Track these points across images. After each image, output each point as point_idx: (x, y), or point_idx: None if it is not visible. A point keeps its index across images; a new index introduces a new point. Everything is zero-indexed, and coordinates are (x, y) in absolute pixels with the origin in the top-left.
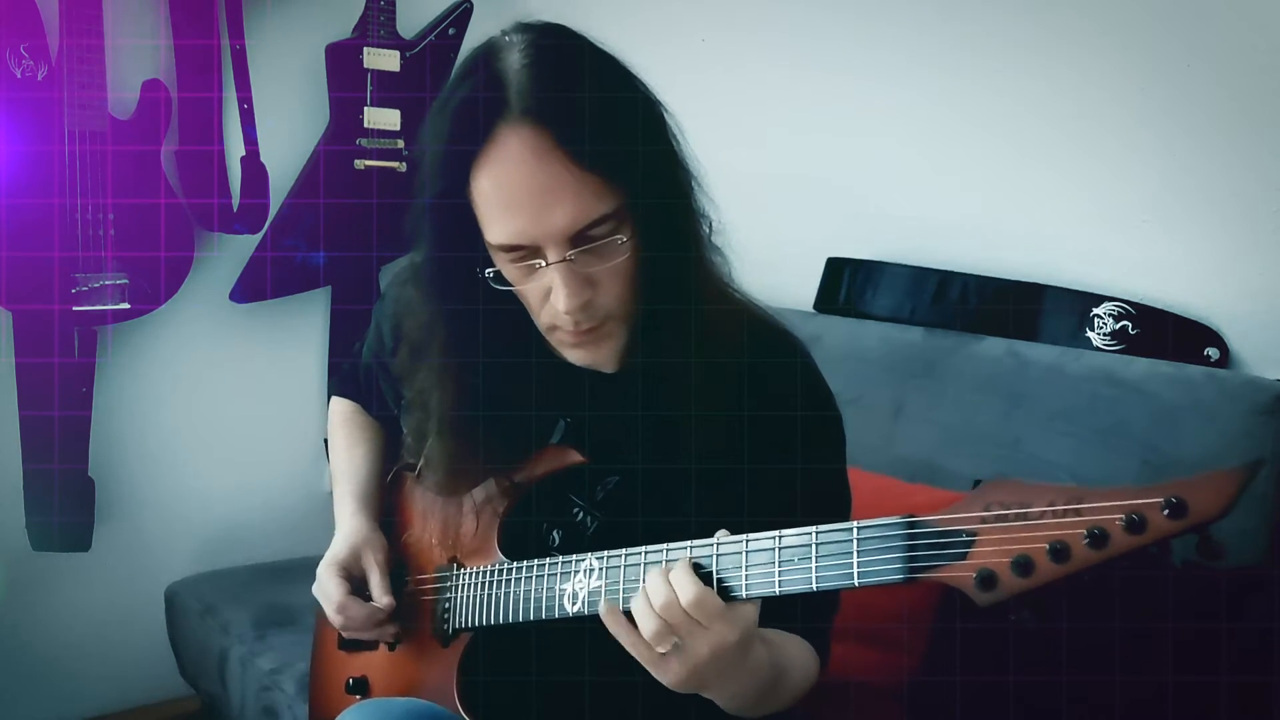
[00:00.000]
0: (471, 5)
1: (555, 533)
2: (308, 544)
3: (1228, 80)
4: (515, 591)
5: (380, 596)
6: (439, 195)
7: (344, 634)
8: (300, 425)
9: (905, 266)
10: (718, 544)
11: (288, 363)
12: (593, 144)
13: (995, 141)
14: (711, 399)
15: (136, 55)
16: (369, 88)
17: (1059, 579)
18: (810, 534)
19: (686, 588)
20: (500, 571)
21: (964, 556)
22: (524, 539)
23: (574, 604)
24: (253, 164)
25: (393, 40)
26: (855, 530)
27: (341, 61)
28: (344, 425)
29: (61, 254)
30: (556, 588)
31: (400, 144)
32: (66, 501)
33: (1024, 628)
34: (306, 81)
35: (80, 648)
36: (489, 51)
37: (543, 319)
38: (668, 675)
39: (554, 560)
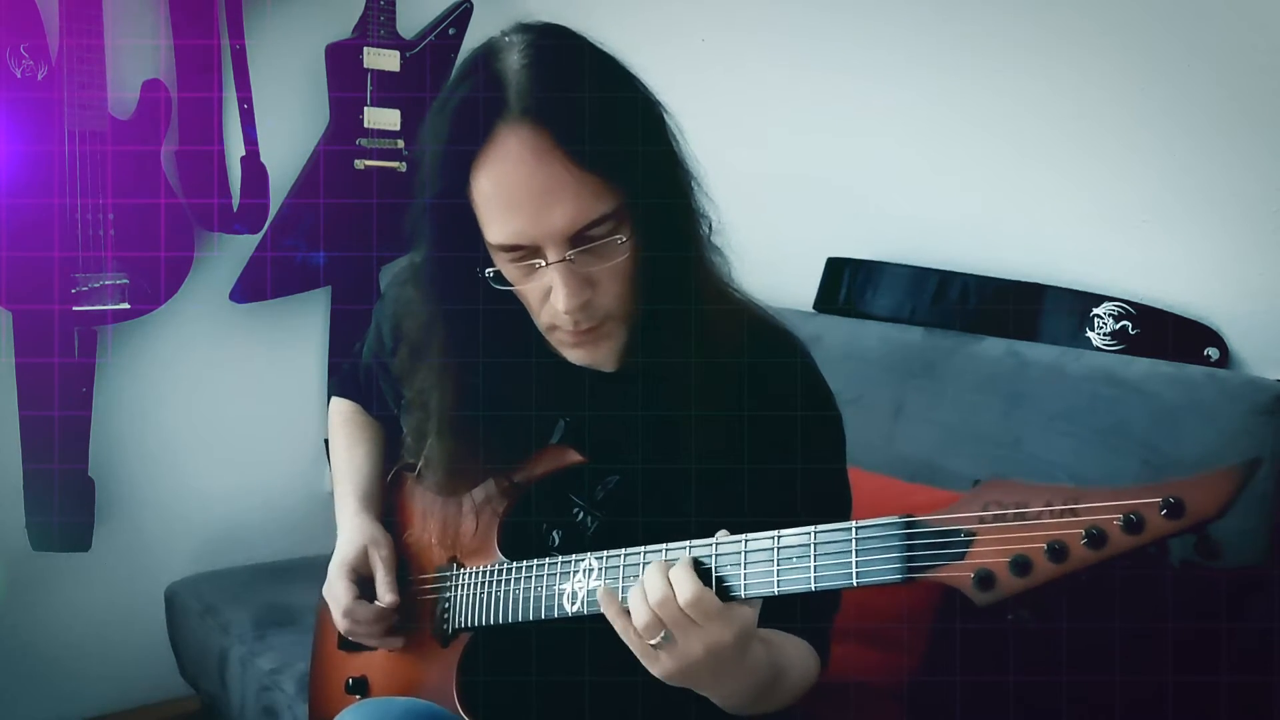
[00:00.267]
0: (471, 5)
1: (555, 533)
2: (308, 544)
3: (1228, 80)
4: (515, 591)
5: (385, 594)
6: (439, 195)
7: (350, 638)
8: (300, 425)
9: (905, 266)
10: (717, 544)
11: (288, 363)
12: (592, 144)
13: (995, 141)
14: (711, 399)
15: (136, 55)
16: (369, 88)
17: (1057, 579)
18: (809, 534)
19: (685, 586)
20: (500, 571)
21: (962, 556)
22: (524, 539)
23: (574, 604)
24: (253, 164)
25: (393, 40)
26: (854, 530)
27: (341, 61)
28: (344, 425)
29: (61, 254)
30: (556, 588)
31: (400, 144)
32: (66, 501)
33: (1023, 628)
34: (306, 81)
35: (80, 648)
36: (489, 52)
37: (542, 319)
38: (658, 668)
39: (554, 560)
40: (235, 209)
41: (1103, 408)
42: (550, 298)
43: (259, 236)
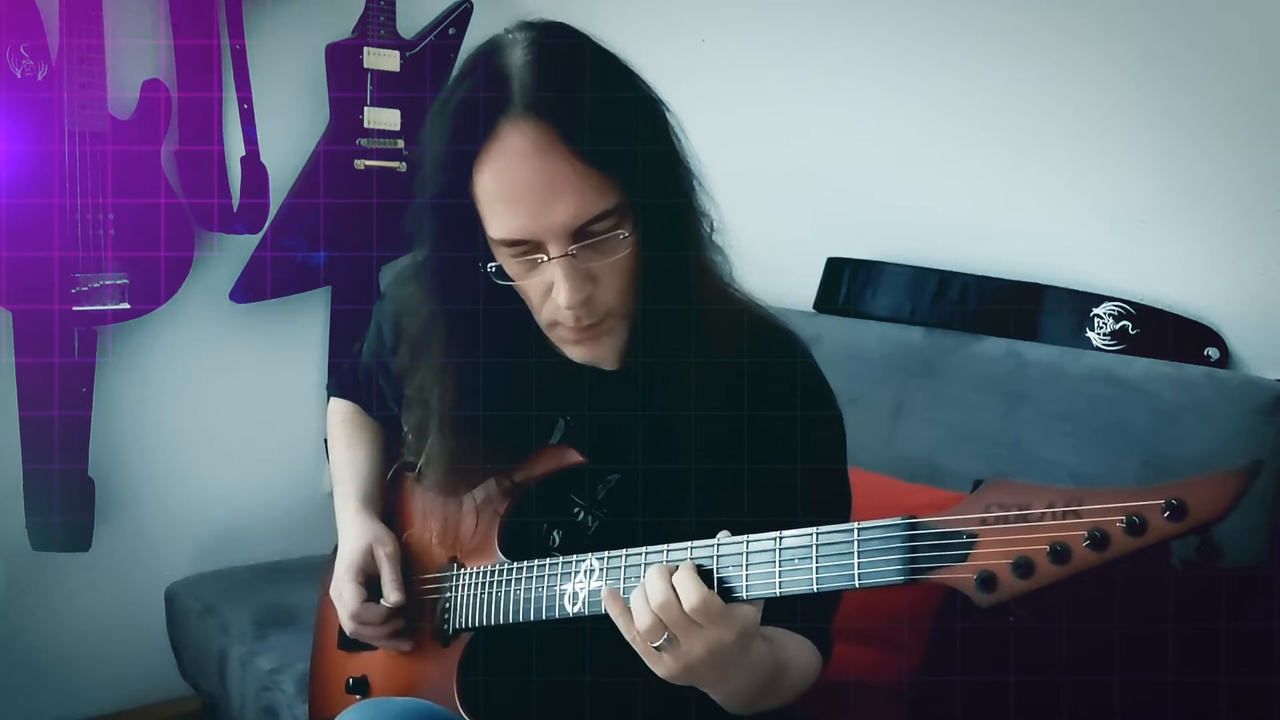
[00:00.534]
0: (471, 5)
1: (555, 533)
2: (308, 544)
3: (1228, 80)
4: (515, 592)
5: (391, 593)
6: (442, 191)
7: (359, 639)
8: (300, 425)
9: (905, 266)
10: (719, 544)
11: (288, 363)
12: (595, 140)
13: (995, 141)
14: (712, 398)
15: (136, 55)
16: (369, 88)
17: (1059, 580)
18: (811, 535)
19: (689, 591)
20: (500, 572)
21: (965, 558)
22: (524, 539)
23: (574, 604)
24: (253, 164)
25: (393, 40)
26: (856, 531)
27: (341, 61)
28: (343, 425)
29: (61, 254)
30: (557, 588)
31: (400, 144)
32: (66, 501)
33: (1024, 628)
34: (306, 81)
35: (80, 648)
36: (492, 49)
37: (544, 315)
38: (661, 668)
39: (554, 560)
40: (235, 209)
41: (1103, 408)
42: (552, 293)
43: (259, 236)
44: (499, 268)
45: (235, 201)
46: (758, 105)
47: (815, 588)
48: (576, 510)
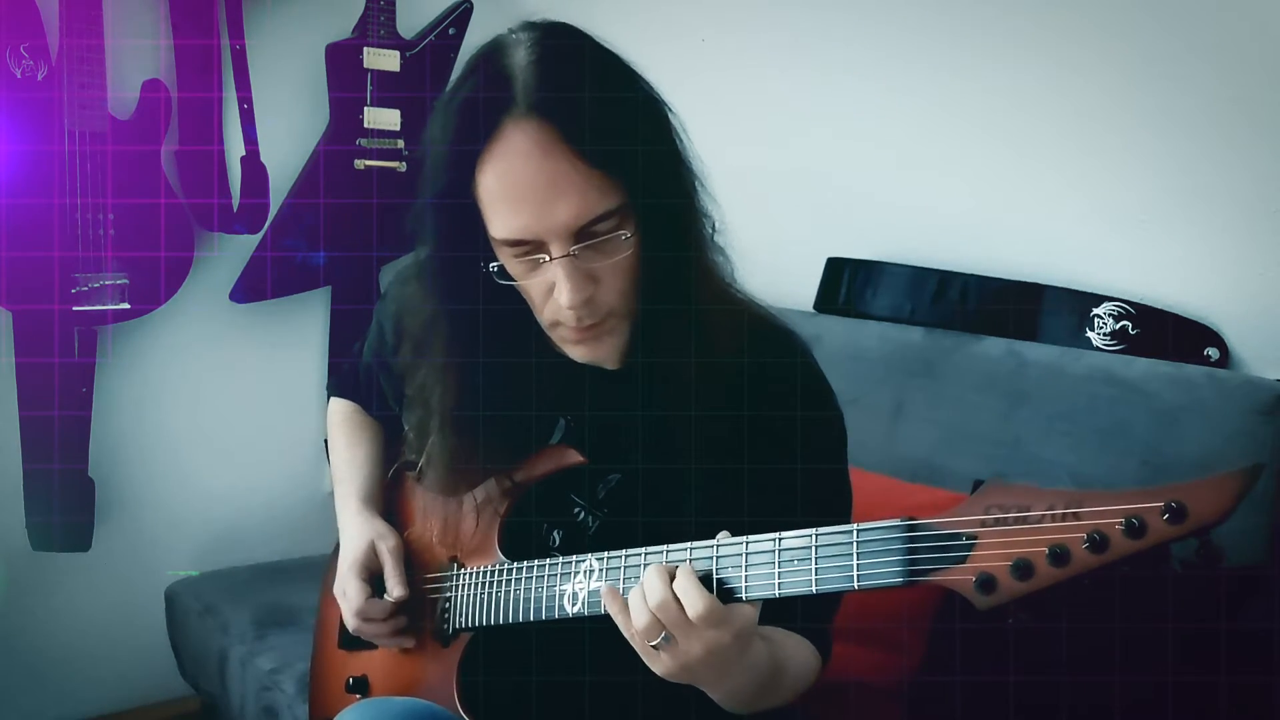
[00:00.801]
0: (471, 5)
1: (556, 533)
2: (308, 544)
3: (1228, 80)
4: (515, 592)
5: (395, 588)
6: (444, 190)
7: (362, 637)
8: (300, 425)
9: (905, 266)
10: (718, 545)
11: (288, 363)
12: (598, 141)
13: (995, 141)
14: (712, 398)
15: (136, 55)
16: (369, 88)
17: (1059, 582)
18: (810, 536)
19: (690, 595)
20: (500, 572)
21: (964, 560)
22: (524, 539)
23: (574, 605)
24: (253, 164)
25: (393, 40)
26: (855, 533)
27: (341, 61)
28: (343, 425)
29: (61, 254)
30: (557, 588)
31: (400, 144)
32: (66, 501)
33: (1024, 628)
34: (306, 81)
35: (80, 648)
36: (495, 49)
37: (545, 315)
38: (658, 666)
39: (554, 561)
40: (235, 209)
41: (1103, 408)
42: (554, 293)
43: (259, 236)
44: (500, 267)
45: (235, 201)
46: (758, 105)
47: (814, 589)
48: (577, 510)
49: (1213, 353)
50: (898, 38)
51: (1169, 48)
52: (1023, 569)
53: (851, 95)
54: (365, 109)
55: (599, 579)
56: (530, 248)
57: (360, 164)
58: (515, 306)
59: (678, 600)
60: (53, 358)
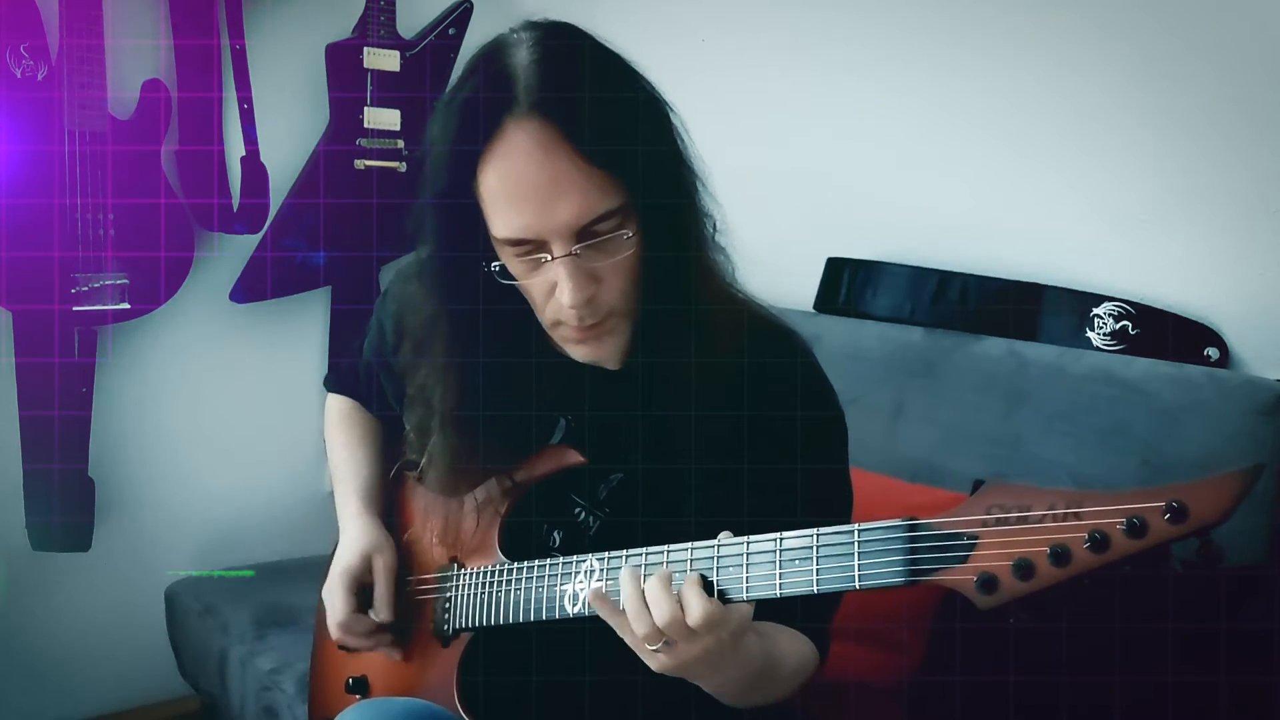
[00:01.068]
0: (471, 5)
1: (556, 533)
2: (308, 544)
3: (1228, 79)
4: (515, 592)
5: (381, 611)
6: (445, 190)
7: (343, 646)
8: (300, 425)
9: (905, 266)
10: (719, 546)
11: (288, 363)
12: (599, 140)
13: (995, 141)
14: (713, 398)
15: (136, 55)
16: (369, 88)
17: (1060, 582)
18: (811, 536)
19: (694, 607)
20: (501, 572)
21: (965, 560)
22: (525, 539)
23: (574, 605)
24: (253, 164)
25: (393, 40)
26: (856, 533)
27: (341, 61)
28: (343, 422)
29: (61, 254)
30: (557, 589)
31: (400, 144)
32: (66, 501)
33: (1024, 628)
34: (306, 81)
35: (80, 648)
36: (497, 48)
37: (547, 315)
38: (654, 664)
39: (554, 561)
40: (235, 209)
41: (1103, 408)
42: (555, 293)
43: (259, 236)
44: (502, 267)
45: (235, 201)
46: (758, 105)
47: (816, 589)
48: (577, 510)
49: (1213, 353)
50: (898, 38)
51: (1169, 48)
52: (1024, 569)
53: (851, 95)
54: (365, 109)
55: (599, 579)
56: (532, 247)
57: (360, 164)
58: (516, 306)
59: (681, 610)
60: (53, 358)
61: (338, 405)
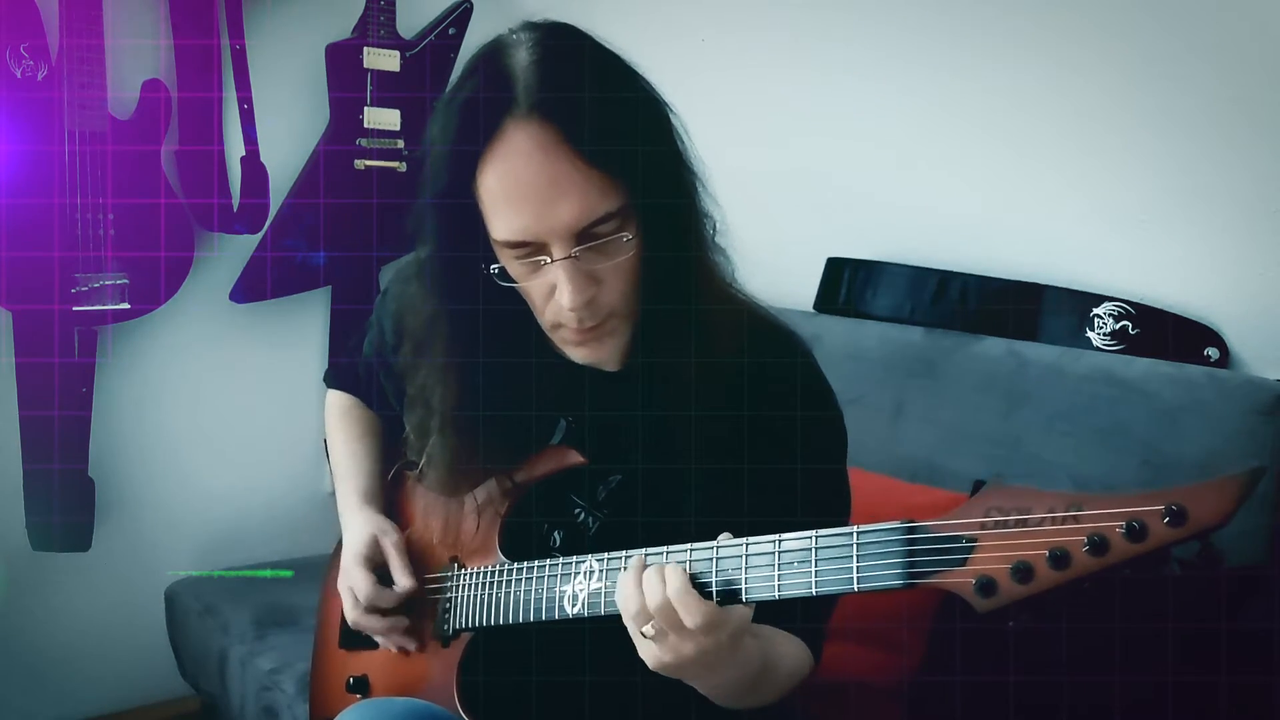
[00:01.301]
0: (471, 5)
1: (556, 533)
2: (308, 544)
3: (1228, 79)
4: (516, 592)
5: (402, 579)
6: (445, 191)
7: (364, 630)
8: (300, 425)
9: (905, 266)
10: (718, 547)
11: (288, 363)
12: (599, 141)
13: (995, 142)
14: (713, 399)
15: (136, 55)
16: (369, 88)
17: (1059, 585)
18: (810, 538)
19: (689, 608)
20: (501, 572)
21: (964, 562)
22: (525, 539)
23: (574, 605)
24: (253, 164)
25: (393, 40)
26: (855, 535)
27: (341, 61)
28: (343, 419)
29: (61, 254)
30: (557, 589)
31: (400, 144)
32: (66, 501)
33: (1024, 629)
34: (306, 81)
35: (80, 648)
36: (496, 49)
37: (546, 316)
38: (649, 659)
39: (554, 561)
40: (235, 209)
41: (1103, 408)
42: (555, 295)
43: (259, 236)
44: (501, 269)
45: (235, 201)
46: (758, 105)
47: (814, 590)
48: (577, 511)
49: (1213, 353)
50: (898, 38)
51: (1169, 48)
52: (1023, 572)
53: (851, 95)
54: (365, 109)
55: (599, 580)
56: (531, 249)
57: (360, 164)
58: (516, 307)
59: (675, 609)
60: (53, 358)
61: (338, 402)
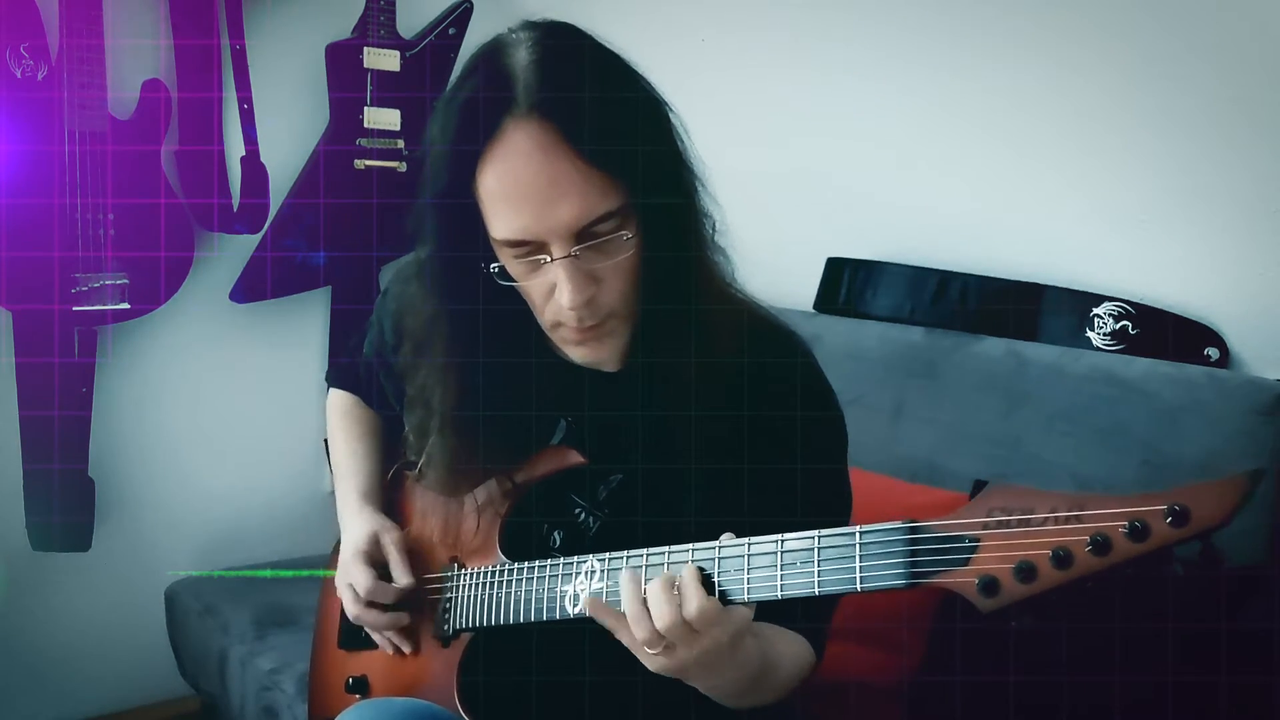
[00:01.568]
0: (471, 5)
1: (556, 533)
2: (308, 544)
3: (1228, 79)
4: (516, 593)
5: (401, 576)
6: (445, 191)
7: (364, 625)
8: (300, 425)
9: (905, 266)
10: (720, 547)
11: (288, 363)
12: (599, 141)
13: (995, 142)
14: (713, 399)
15: (136, 55)
16: (369, 88)
17: (1062, 585)
18: (812, 539)
19: (693, 602)
20: (501, 572)
21: (966, 562)
22: (525, 539)
23: (575, 605)
24: (253, 164)
25: (393, 40)
26: (858, 535)
27: (341, 61)
28: (344, 419)
29: (61, 254)
30: (557, 589)
31: (400, 144)
32: (66, 501)
33: (1024, 629)
34: (306, 81)
35: (80, 648)
36: (496, 48)
37: (546, 316)
38: (652, 665)
39: (555, 561)
40: (235, 209)
41: (1103, 408)
42: (555, 294)
43: (259, 236)
44: (501, 268)
45: (235, 201)
46: (758, 105)
47: (817, 590)
48: (577, 511)
49: (1213, 353)
50: (898, 38)
51: (1169, 48)
52: (1026, 571)
53: (851, 95)
54: (365, 109)
55: (600, 580)
56: (531, 248)
57: (360, 164)
58: (516, 307)
59: (682, 608)
60: (53, 358)
61: (339, 400)
